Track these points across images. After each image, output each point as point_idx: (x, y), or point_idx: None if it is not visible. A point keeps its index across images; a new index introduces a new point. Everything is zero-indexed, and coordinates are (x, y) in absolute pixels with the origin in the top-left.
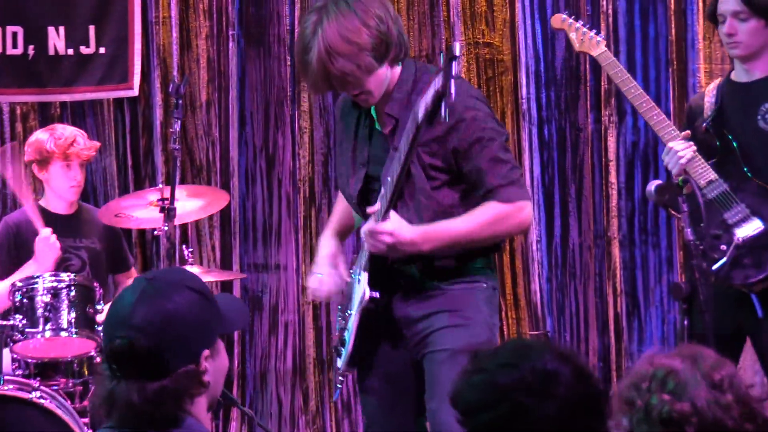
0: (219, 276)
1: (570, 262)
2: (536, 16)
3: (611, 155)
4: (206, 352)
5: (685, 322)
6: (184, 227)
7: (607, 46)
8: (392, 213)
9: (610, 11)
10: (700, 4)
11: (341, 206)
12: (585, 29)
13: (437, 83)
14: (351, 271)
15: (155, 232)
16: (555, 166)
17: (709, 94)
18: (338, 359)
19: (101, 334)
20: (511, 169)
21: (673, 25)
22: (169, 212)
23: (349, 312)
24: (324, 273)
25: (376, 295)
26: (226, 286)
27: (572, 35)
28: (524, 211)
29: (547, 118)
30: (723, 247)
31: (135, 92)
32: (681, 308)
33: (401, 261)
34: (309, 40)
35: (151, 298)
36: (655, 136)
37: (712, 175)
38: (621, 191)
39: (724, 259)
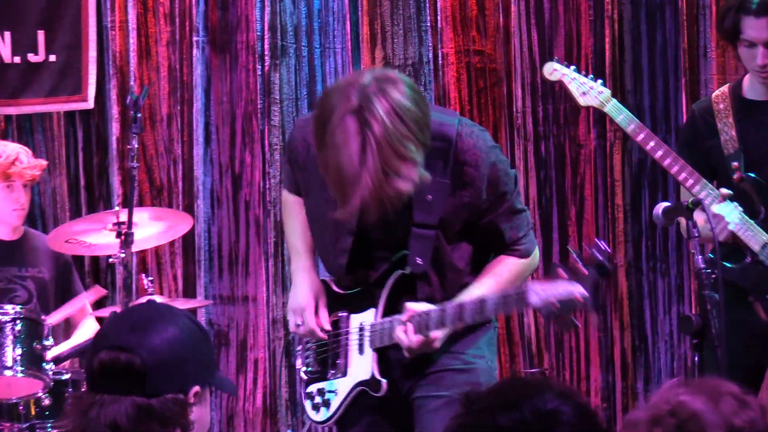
0: (181, 305)
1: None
2: (532, 22)
3: (616, 174)
4: (197, 388)
5: (696, 359)
6: (142, 254)
7: (612, 53)
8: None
9: (615, 16)
10: (714, 10)
11: (300, 218)
12: (584, 78)
13: (575, 292)
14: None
15: (110, 260)
16: (553, 187)
17: (719, 102)
18: (314, 411)
19: (49, 372)
20: (525, 217)
21: (685, 33)
22: (126, 238)
23: (335, 368)
24: (306, 322)
25: (384, 388)
26: None
27: (571, 88)
28: (536, 257)
29: (545, 134)
30: None
31: (89, 104)
32: (691, 343)
33: None
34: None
35: (153, 319)
36: None
37: (765, 236)
38: (626, 214)
39: None
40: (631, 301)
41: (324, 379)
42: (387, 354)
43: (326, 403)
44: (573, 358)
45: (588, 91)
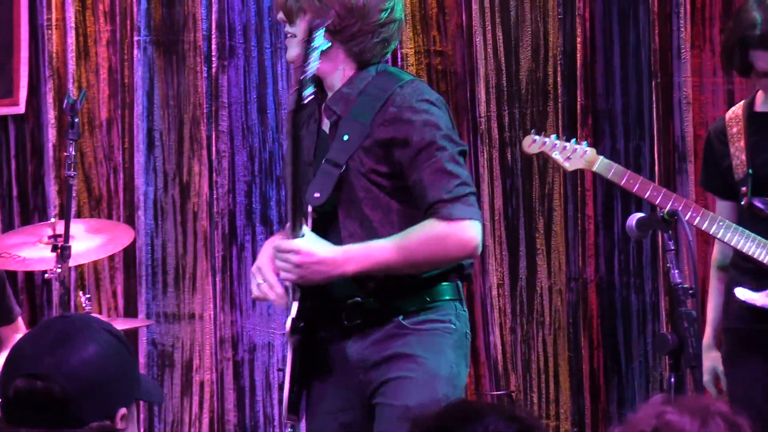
0: (121, 324)
1: (538, 309)
2: (497, 20)
3: (587, 183)
4: (123, 411)
5: (672, 380)
6: (80, 269)
7: (583, 54)
8: (306, 228)
9: (586, 14)
10: (688, 7)
11: None
12: (566, 143)
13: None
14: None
15: (46, 275)
16: (520, 197)
17: (732, 125)
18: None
19: None
20: (458, 184)
21: (657, 32)
22: (62, 251)
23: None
24: (266, 277)
25: (301, 324)
26: (131, 337)
27: (556, 156)
28: (468, 230)
29: (510, 140)
30: None
31: (21, 109)
32: (667, 363)
33: (352, 286)
34: None
35: (70, 338)
36: (638, 163)
37: None
38: (598, 226)
39: None
40: (602, 319)
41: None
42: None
43: (281, 387)
44: (541, 380)
45: (572, 154)
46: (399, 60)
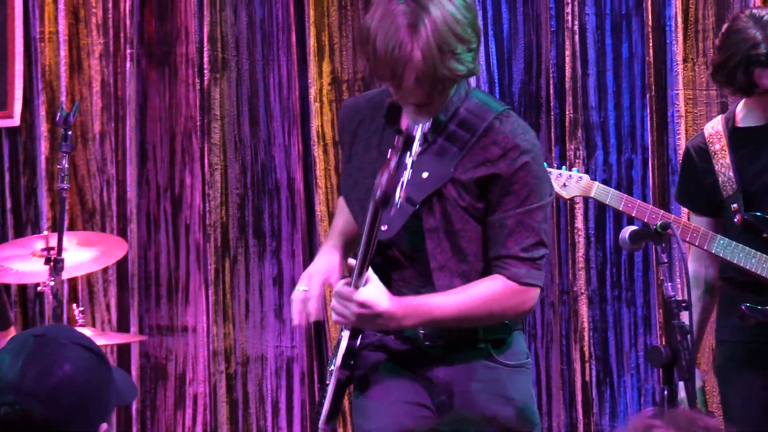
0: (114, 339)
1: (530, 321)
2: (490, 34)
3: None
4: (105, 426)
5: (665, 392)
6: (73, 282)
7: (573, 68)
8: (371, 274)
9: (576, 28)
10: (679, 20)
11: (344, 214)
12: (558, 171)
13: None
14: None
15: (39, 288)
16: None
17: (714, 142)
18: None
19: None
20: (537, 244)
21: (650, 45)
22: (55, 264)
23: (331, 366)
24: (311, 288)
25: (350, 362)
26: (124, 351)
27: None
28: (530, 296)
29: None
30: None
31: (16, 121)
32: (660, 376)
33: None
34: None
35: (43, 358)
36: (630, 174)
37: None
38: (589, 239)
39: None
40: (594, 331)
41: (328, 377)
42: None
43: (321, 402)
44: (534, 393)
45: (567, 182)
46: None
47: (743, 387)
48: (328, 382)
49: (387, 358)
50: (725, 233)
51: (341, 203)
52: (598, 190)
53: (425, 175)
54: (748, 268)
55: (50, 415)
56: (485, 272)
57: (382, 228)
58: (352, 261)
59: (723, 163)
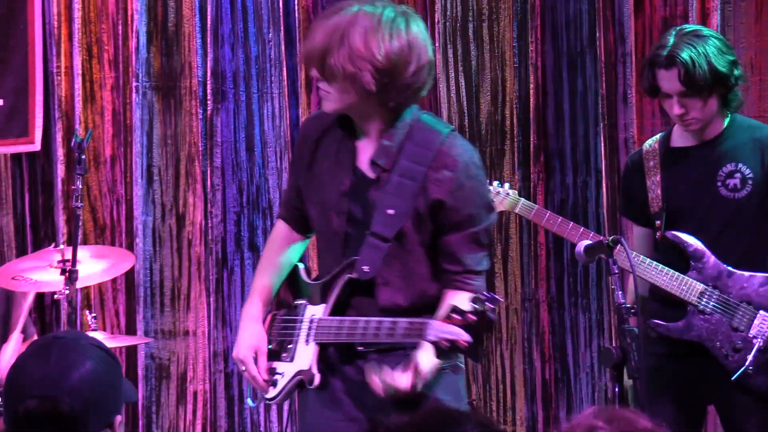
0: (122, 341)
1: (496, 326)
2: (459, 68)
3: None
4: (120, 418)
5: (616, 389)
6: (86, 291)
7: (535, 99)
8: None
9: (539, 63)
10: (633, 58)
11: (270, 255)
12: (497, 188)
13: (459, 336)
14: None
15: (55, 296)
16: None
17: (649, 158)
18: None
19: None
20: (484, 258)
21: (603, 79)
22: (70, 275)
23: (287, 350)
24: (250, 368)
25: (322, 380)
26: (131, 353)
27: None
28: None
29: None
30: (748, 356)
31: (36, 147)
32: (611, 374)
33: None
34: (338, 16)
35: (66, 357)
36: (585, 196)
37: (699, 286)
38: (549, 252)
39: (750, 366)
40: (553, 335)
41: (278, 359)
42: (328, 351)
43: (274, 383)
44: (499, 390)
45: (495, 197)
46: None
47: (653, 406)
48: (276, 367)
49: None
50: (656, 248)
51: (276, 231)
52: (522, 206)
53: (391, 212)
54: (658, 284)
55: (75, 407)
56: (428, 289)
57: (364, 269)
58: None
59: (654, 180)
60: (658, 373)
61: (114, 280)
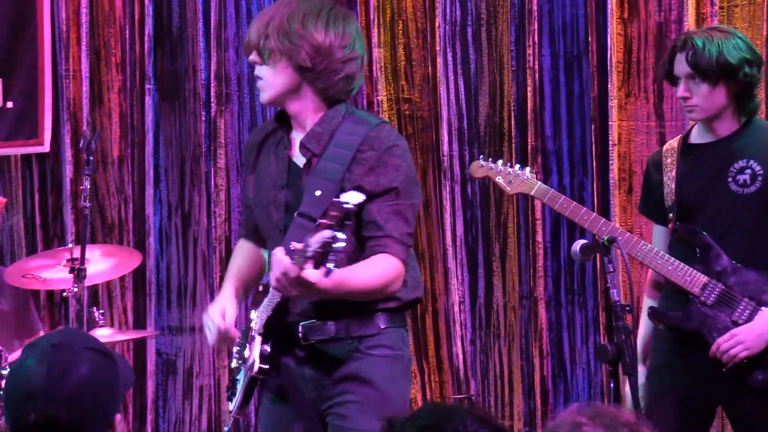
0: (131, 335)
1: (494, 323)
2: (459, 71)
3: (537, 214)
4: (119, 417)
5: (612, 385)
6: (94, 288)
7: (533, 101)
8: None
9: (536, 67)
10: (614, 60)
11: (239, 260)
12: (509, 169)
13: (324, 236)
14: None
15: (64, 294)
16: (478, 225)
17: (668, 156)
18: (229, 402)
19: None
20: (408, 234)
21: (595, 82)
22: (79, 273)
23: (241, 362)
24: (211, 323)
25: (266, 367)
26: (139, 346)
27: (499, 180)
28: (402, 272)
29: (471, 176)
30: None
31: (45, 148)
32: (607, 371)
33: (308, 314)
34: (278, 5)
35: (63, 366)
36: (582, 197)
37: (703, 278)
38: (547, 251)
39: (744, 360)
40: (551, 332)
41: (239, 371)
42: (272, 347)
43: (234, 393)
44: (498, 385)
45: (513, 179)
46: (375, 106)
47: (660, 403)
48: (237, 377)
49: (278, 363)
50: (671, 243)
51: (238, 247)
52: (539, 189)
53: (318, 193)
54: (662, 273)
55: (74, 416)
56: (354, 256)
57: (291, 247)
58: (297, 245)
59: (670, 176)
60: (664, 370)
61: (122, 278)
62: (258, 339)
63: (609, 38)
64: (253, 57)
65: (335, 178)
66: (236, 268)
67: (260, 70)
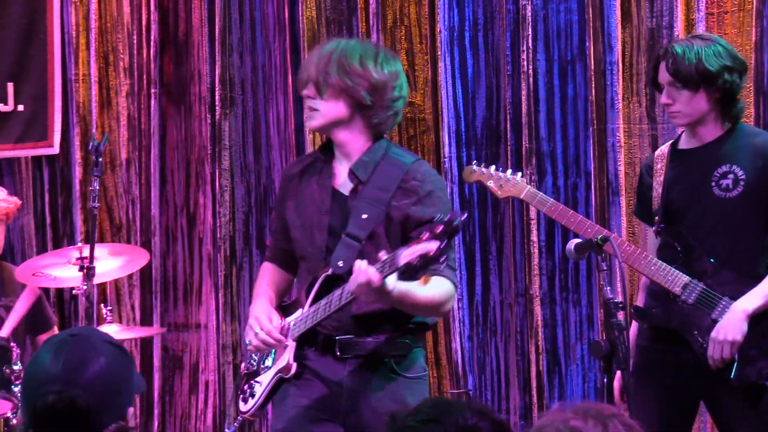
0: (139, 332)
1: (491, 319)
2: (457, 75)
3: (532, 214)
4: (132, 409)
5: (605, 380)
6: (102, 286)
7: (528, 105)
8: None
9: (530, 71)
10: (620, 66)
11: (266, 278)
12: (500, 173)
13: (427, 248)
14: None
15: (74, 291)
16: (476, 225)
17: (658, 161)
18: (243, 403)
19: (18, 395)
20: (454, 259)
21: (593, 86)
22: (88, 271)
23: (265, 364)
24: (258, 327)
25: (301, 371)
26: (146, 343)
27: (490, 184)
28: (452, 295)
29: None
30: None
31: (55, 150)
32: (601, 366)
33: (345, 329)
34: (334, 45)
35: (81, 354)
36: (575, 197)
37: (684, 278)
38: (541, 249)
39: (735, 361)
40: (546, 328)
41: (257, 375)
42: (305, 351)
43: (252, 394)
44: (494, 380)
45: (504, 183)
46: None
47: (646, 395)
48: (257, 379)
49: (308, 369)
50: (660, 245)
51: (264, 268)
52: (528, 192)
53: (365, 216)
54: (645, 274)
55: (90, 401)
56: None
57: (339, 264)
58: (382, 254)
59: (659, 180)
60: (646, 368)
61: (129, 276)
62: (292, 345)
63: (617, 41)
64: (309, 91)
65: (381, 204)
66: (267, 283)
67: (315, 103)
